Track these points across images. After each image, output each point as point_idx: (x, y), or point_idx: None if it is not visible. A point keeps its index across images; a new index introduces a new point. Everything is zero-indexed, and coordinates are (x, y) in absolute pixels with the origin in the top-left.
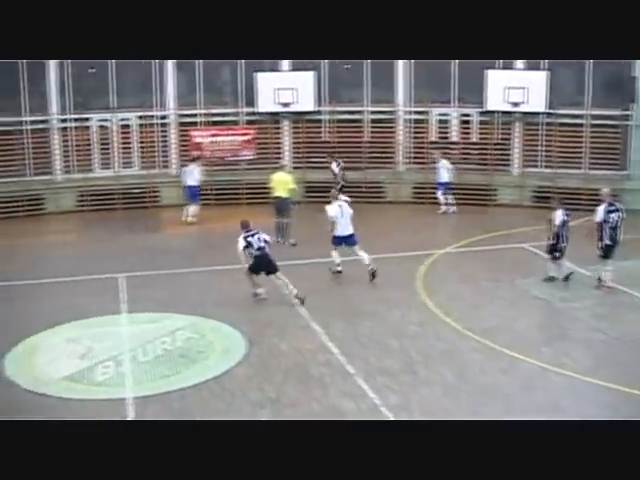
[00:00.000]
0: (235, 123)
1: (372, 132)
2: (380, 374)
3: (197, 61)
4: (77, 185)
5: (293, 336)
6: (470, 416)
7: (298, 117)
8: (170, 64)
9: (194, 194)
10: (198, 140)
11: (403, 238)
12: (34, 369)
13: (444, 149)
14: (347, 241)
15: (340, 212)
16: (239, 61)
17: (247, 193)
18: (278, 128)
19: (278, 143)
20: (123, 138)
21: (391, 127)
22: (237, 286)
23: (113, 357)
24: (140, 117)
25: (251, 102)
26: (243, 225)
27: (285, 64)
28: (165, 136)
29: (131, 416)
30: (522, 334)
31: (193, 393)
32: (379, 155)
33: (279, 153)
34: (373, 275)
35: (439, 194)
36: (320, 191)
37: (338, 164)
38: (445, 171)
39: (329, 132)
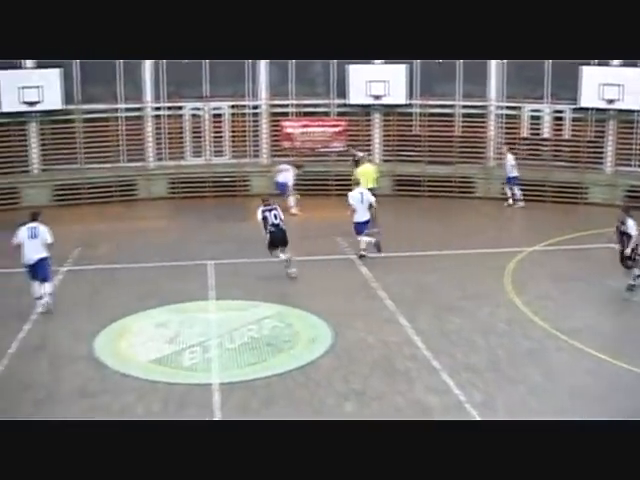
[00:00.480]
0: (326, 114)
1: (463, 127)
2: (465, 370)
3: None
4: (169, 172)
5: (379, 329)
6: (555, 416)
7: (389, 110)
8: None
9: (282, 190)
10: (289, 130)
11: (492, 234)
12: (123, 351)
13: (535, 145)
14: (365, 226)
15: (360, 198)
16: None
17: (336, 184)
18: (369, 120)
19: (368, 135)
20: (215, 127)
21: (482, 122)
22: (325, 277)
23: (200, 343)
24: (232, 106)
25: (342, 94)
26: (263, 200)
27: None
28: (256, 126)
29: (216, 402)
30: (610, 336)
31: (278, 382)
32: (469, 150)
33: (369, 145)
34: (360, 256)
35: (506, 188)
36: (409, 185)
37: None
38: (510, 166)
39: (420, 126)
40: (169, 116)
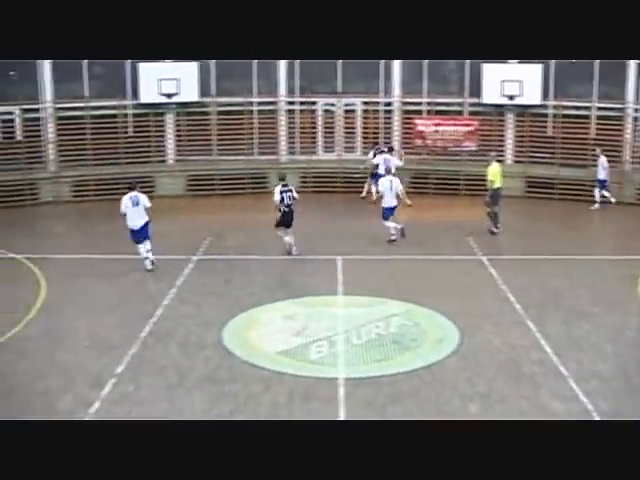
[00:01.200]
0: (459, 113)
1: (598, 129)
2: (593, 378)
3: None
4: (300, 166)
5: (507, 331)
6: None
7: (523, 110)
8: None
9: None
10: (421, 129)
11: (622, 241)
12: (251, 341)
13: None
14: (393, 212)
15: (390, 186)
16: None
17: (466, 184)
18: (501, 121)
19: (501, 136)
20: (347, 123)
21: (619, 125)
22: (454, 276)
23: (327, 337)
24: (365, 103)
25: (476, 93)
26: (281, 179)
27: None
28: (388, 123)
29: (341, 396)
30: None
31: (404, 379)
32: (604, 153)
33: (501, 146)
34: (390, 241)
35: (595, 191)
36: (541, 187)
37: (375, 153)
38: (602, 169)
39: (553, 127)
40: (302, 111)
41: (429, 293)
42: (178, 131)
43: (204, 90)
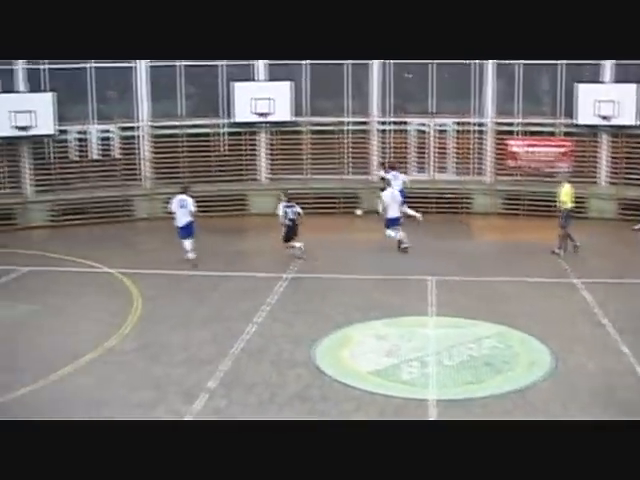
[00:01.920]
0: (552, 134)
1: None
2: None
3: (517, 67)
4: None
5: (601, 356)
6: None
7: (617, 131)
8: (490, 70)
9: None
10: (514, 150)
11: None
12: (343, 360)
13: None
14: (397, 222)
15: (391, 197)
16: (559, 69)
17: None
18: (596, 141)
19: (594, 157)
20: (439, 143)
21: None
22: (546, 299)
23: (419, 358)
24: (457, 123)
25: (569, 113)
26: (285, 195)
27: (607, 75)
28: (481, 143)
29: (432, 418)
30: None
31: (496, 403)
32: None
33: (595, 167)
34: (404, 250)
35: None
36: (636, 209)
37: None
38: None
39: None
40: (394, 131)
41: (521, 315)
42: (271, 150)
43: (297, 109)
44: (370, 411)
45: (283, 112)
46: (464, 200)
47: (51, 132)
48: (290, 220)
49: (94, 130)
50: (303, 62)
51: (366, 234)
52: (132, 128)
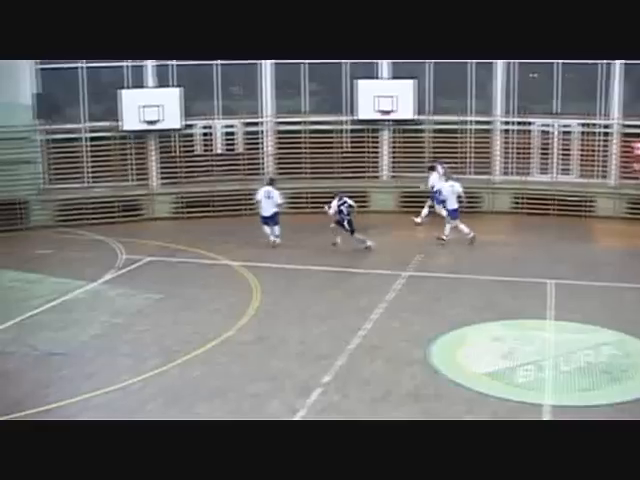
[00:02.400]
0: None
1: None
2: None
3: None
4: (513, 187)
5: None
6: None
7: None
8: (617, 71)
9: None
10: None
11: None
12: (458, 360)
13: None
14: (456, 213)
15: (451, 190)
16: None
17: None
18: None
19: None
20: (563, 144)
21: None
22: None
23: (535, 361)
24: (582, 125)
25: None
26: (335, 195)
27: None
28: (606, 146)
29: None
30: None
31: (611, 412)
32: None
33: None
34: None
35: None
36: None
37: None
38: None
39: None
40: (518, 131)
41: None
42: (393, 148)
43: (420, 108)
44: (481, 413)
45: (406, 110)
46: (586, 203)
47: (178, 126)
48: (347, 214)
49: (219, 125)
50: (426, 61)
51: (486, 235)
52: (256, 124)
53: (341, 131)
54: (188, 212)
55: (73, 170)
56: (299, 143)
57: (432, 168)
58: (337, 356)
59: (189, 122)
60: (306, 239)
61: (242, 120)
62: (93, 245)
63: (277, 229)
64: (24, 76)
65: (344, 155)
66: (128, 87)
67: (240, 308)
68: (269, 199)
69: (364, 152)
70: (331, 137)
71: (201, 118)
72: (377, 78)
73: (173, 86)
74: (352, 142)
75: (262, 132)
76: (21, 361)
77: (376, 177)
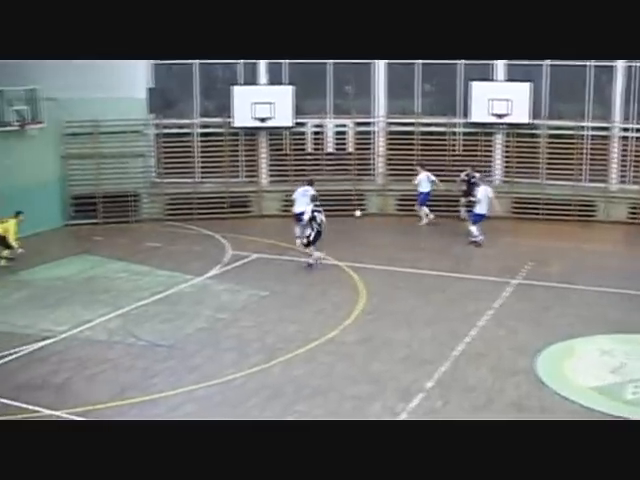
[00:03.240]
0: None
1: None
2: None
3: None
4: (631, 197)
5: None
6: None
7: None
8: None
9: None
10: None
11: None
12: (565, 373)
13: None
14: (482, 218)
15: (485, 194)
16: None
17: None
18: None
19: None
20: None
21: None
22: None
23: None
24: None
25: None
26: (312, 199)
27: None
28: None
29: None
30: None
31: None
32: None
33: None
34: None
35: None
36: None
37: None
38: None
39: None
40: (637, 138)
41: None
42: (507, 152)
43: (535, 112)
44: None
45: (521, 114)
46: None
47: (289, 124)
48: (319, 225)
49: (330, 124)
50: (543, 63)
51: (601, 245)
52: (368, 123)
53: (454, 134)
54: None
55: (183, 165)
56: (410, 144)
57: (422, 166)
58: (441, 362)
59: (300, 120)
60: (414, 242)
61: (354, 120)
62: (201, 240)
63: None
64: (139, 71)
65: (456, 158)
66: (240, 84)
67: (345, 308)
68: (304, 198)
69: (476, 156)
70: (443, 140)
71: (312, 117)
72: (492, 80)
73: (285, 84)
74: (464, 145)
75: (373, 132)
76: (126, 351)
77: (489, 182)
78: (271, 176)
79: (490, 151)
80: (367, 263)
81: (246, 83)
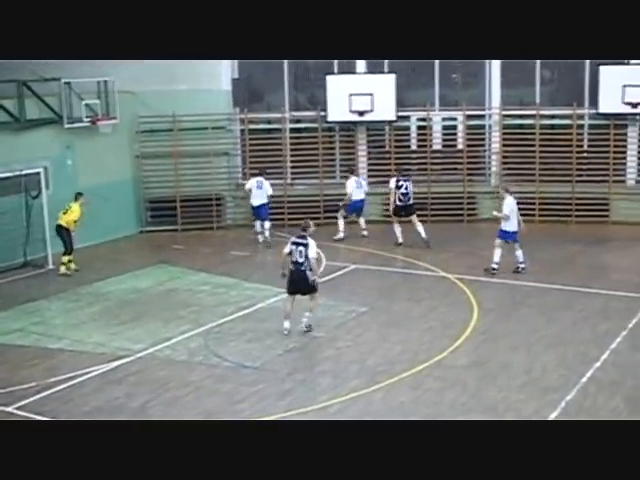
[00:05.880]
0: None
1: None
2: None
3: None
4: None
5: None
6: None
7: None
8: None
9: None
10: None
11: None
12: None
13: None
14: (513, 237)
15: (512, 207)
16: None
17: None
18: None
19: None
20: None
21: None
22: None
23: None
24: None
25: None
26: (302, 227)
27: None
28: None
29: None
30: None
31: None
32: None
33: None
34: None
35: None
36: None
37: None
38: None
39: None
40: None
41: None
42: None
43: None
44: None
45: None
46: None
47: (391, 118)
48: (294, 263)
49: (437, 117)
50: None
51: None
52: (480, 116)
53: (581, 126)
54: (397, 214)
55: (272, 164)
56: (529, 140)
57: (352, 172)
58: (567, 390)
59: (402, 113)
60: (535, 252)
61: (464, 112)
62: None
63: (268, 224)
64: (223, 60)
65: (583, 155)
66: (335, 73)
67: (456, 327)
68: (259, 189)
69: (607, 152)
70: (568, 133)
71: (416, 109)
72: (626, 64)
73: (386, 72)
74: (592, 140)
75: (487, 126)
76: (209, 372)
77: (621, 182)
78: (370, 177)
79: (623, 147)
80: (480, 275)
81: (342, 72)
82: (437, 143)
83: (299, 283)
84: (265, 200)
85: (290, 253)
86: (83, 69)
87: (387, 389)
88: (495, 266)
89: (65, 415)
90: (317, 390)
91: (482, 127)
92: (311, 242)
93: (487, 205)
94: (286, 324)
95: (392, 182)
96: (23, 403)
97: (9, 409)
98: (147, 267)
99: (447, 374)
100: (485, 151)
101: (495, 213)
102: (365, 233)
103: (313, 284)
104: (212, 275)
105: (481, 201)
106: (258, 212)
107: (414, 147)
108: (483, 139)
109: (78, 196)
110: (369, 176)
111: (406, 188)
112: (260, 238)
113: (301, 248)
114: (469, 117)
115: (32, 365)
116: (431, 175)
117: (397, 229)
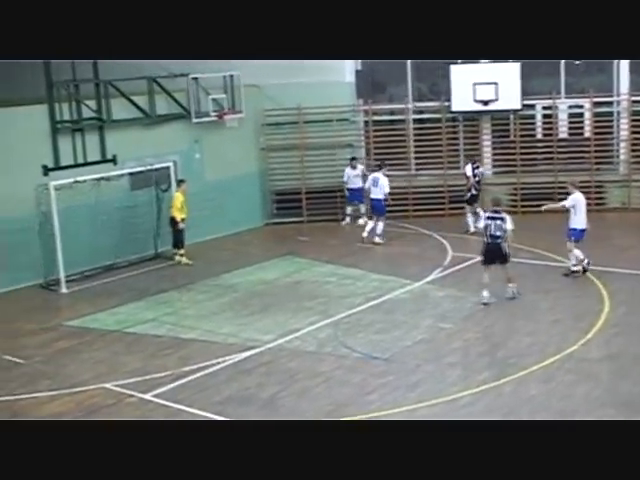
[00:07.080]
0: None
1: None
2: None
3: None
4: None
5: None
6: None
7: None
8: None
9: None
10: None
11: None
12: None
13: None
14: (581, 235)
15: (581, 203)
16: None
17: None
18: None
19: None
20: None
21: None
22: None
23: None
24: None
25: None
26: (494, 202)
27: None
28: None
29: None
30: None
31: None
32: None
33: None
34: (584, 271)
35: None
36: None
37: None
38: None
39: None
40: None
41: None
42: None
43: None
44: None
45: None
46: None
47: (516, 107)
48: (492, 237)
49: (562, 105)
50: None
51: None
52: (608, 103)
53: None
54: (525, 205)
55: (396, 155)
56: None
57: (354, 159)
58: None
59: (528, 102)
60: None
61: (591, 99)
62: (418, 240)
63: (380, 227)
64: None
65: None
66: (459, 62)
67: (587, 319)
68: (375, 187)
69: None
70: None
71: (541, 97)
72: None
73: (510, 61)
74: None
75: (615, 113)
76: (339, 363)
77: None
78: (495, 167)
79: None
80: (611, 266)
81: (465, 61)
82: (563, 131)
83: (495, 253)
84: (381, 196)
85: (486, 227)
86: (209, 64)
87: (517, 382)
88: (586, 261)
89: (199, 404)
90: (447, 382)
91: (610, 114)
92: (506, 216)
93: (616, 194)
94: (485, 293)
95: (468, 169)
96: (160, 391)
97: (147, 396)
98: (273, 259)
99: (579, 367)
100: (613, 139)
101: (550, 206)
102: (347, 222)
103: (507, 254)
104: (338, 266)
105: (610, 190)
106: (355, 196)
107: (539, 136)
108: (611, 126)
109: (180, 183)
110: (494, 166)
111: (480, 175)
112: (348, 219)
113: (498, 222)
114: (596, 104)
115: (166, 355)
116: (557, 164)
117: (470, 218)
